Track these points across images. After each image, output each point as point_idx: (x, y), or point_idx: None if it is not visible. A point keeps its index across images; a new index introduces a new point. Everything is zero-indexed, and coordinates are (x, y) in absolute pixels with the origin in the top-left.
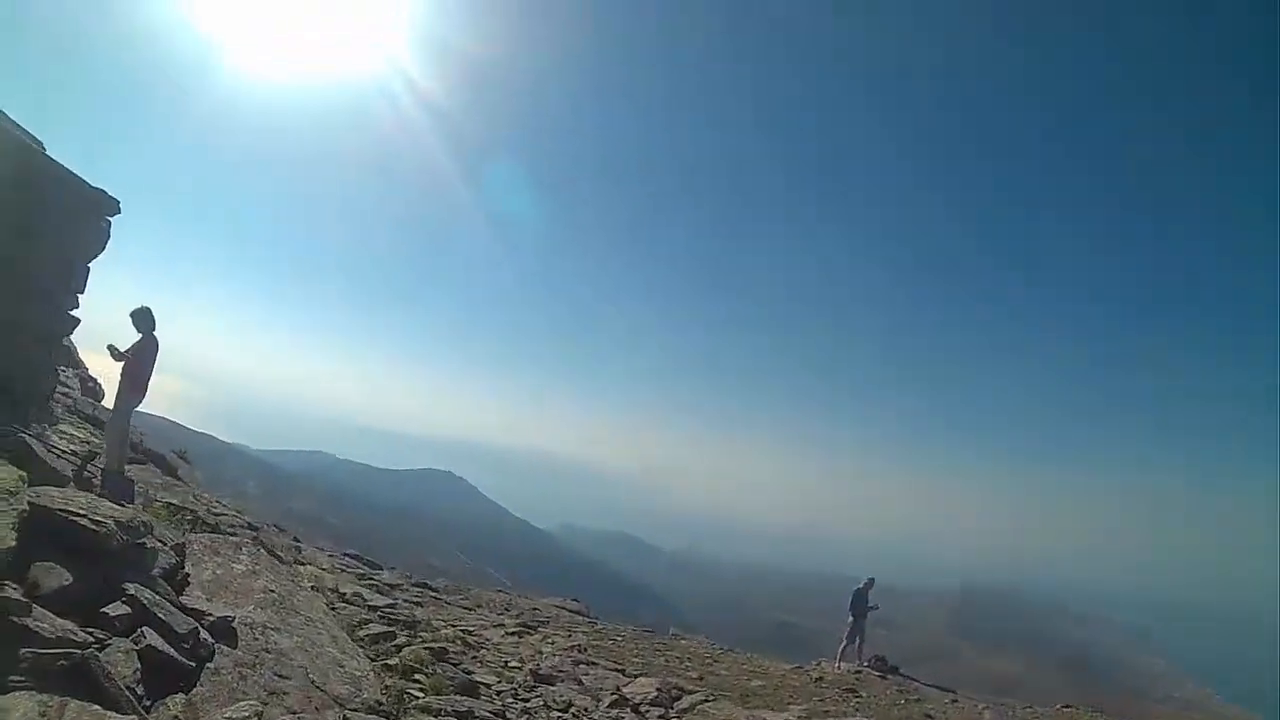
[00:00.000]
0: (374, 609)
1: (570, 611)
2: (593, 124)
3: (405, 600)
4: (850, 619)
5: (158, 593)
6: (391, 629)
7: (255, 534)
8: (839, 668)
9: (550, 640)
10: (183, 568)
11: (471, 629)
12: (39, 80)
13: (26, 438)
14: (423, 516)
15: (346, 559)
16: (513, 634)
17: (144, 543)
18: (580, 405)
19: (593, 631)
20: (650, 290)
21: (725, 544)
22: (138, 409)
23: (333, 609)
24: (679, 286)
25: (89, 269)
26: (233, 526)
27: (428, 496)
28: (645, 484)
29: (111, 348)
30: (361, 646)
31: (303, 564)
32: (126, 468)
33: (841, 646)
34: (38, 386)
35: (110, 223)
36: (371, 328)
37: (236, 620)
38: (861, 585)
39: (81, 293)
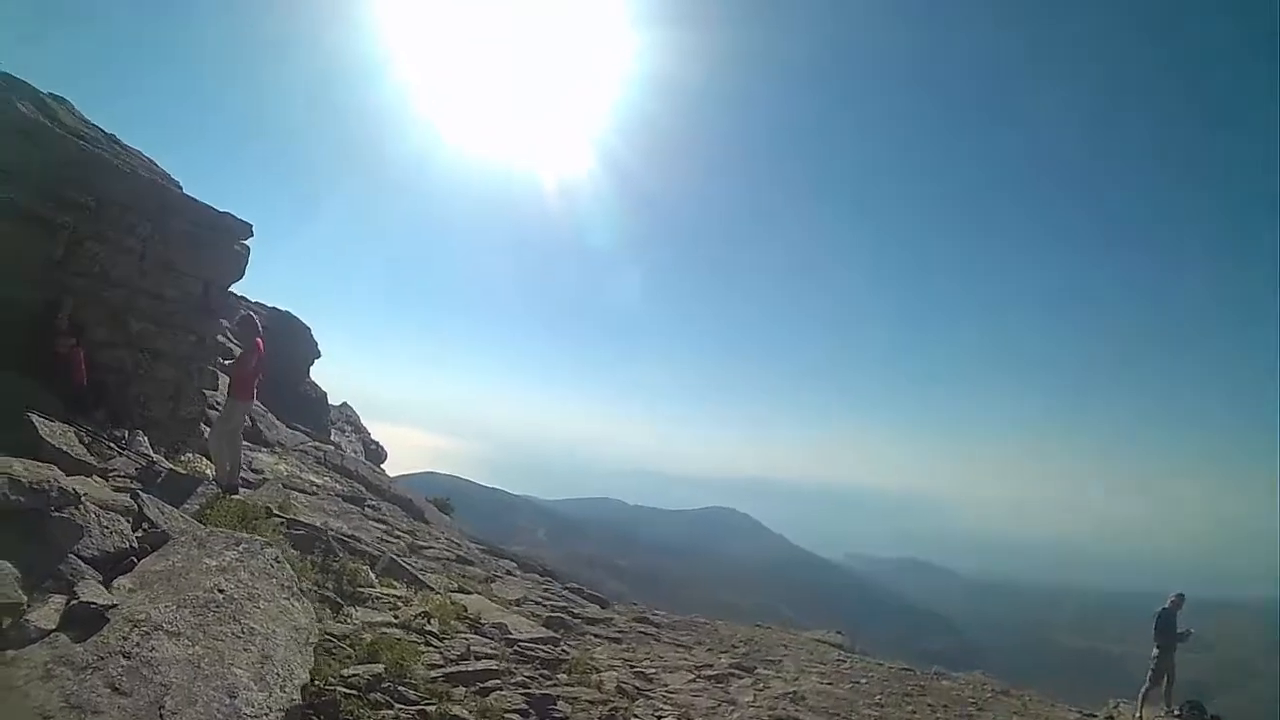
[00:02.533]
0: (512, 642)
1: (829, 645)
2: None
3: (597, 635)
4: (1156, 650)
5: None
6: (502, 665)
7: (446, 561)
8: (1139, 717)
9: (763, 686)
10: (136, 552)
11: (651, 670)
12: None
13: (37, 422)
14: (710, 554)
15: (564, 593)
16: (711, 678)
17: (65, 515)
18: (862, 432)
19: (833, 672)
20: (925, 315)
21: (1022, 564)
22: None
23: (438, 638)
24: (955, 307)
25: (228, 292)
26: (440, 559)
27: (714, 534)
28: (934, 507)
29: (218, 363)
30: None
31: (465, 592)
32: (239, 481)
33: (1144, 689)
34: (178, 410)
35: (246, 247)
36: (653, 380)
37: (121, 612)
38: (1168, 604)
39: (221, 317)
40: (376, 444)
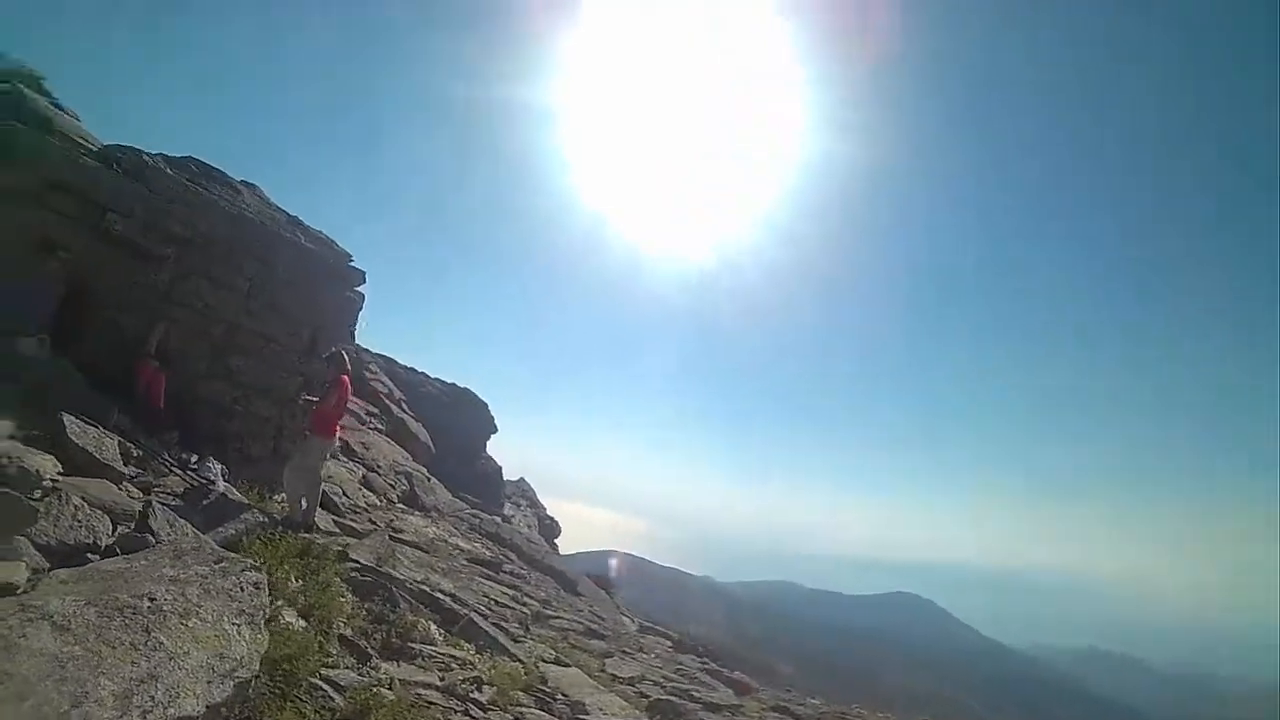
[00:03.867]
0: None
1: None
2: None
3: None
4: None
5: None
6: None
7: (570, 633)
8: None
9: None
10: (102, 551)
11: None
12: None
13: (67, 421)
14: (889, 640)
15: (701, 674)
16: None
17: (17, 495)
18: (1049, 517)
19: None
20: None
21: (1221, 656)
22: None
23: (481, 708)
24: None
25: (343, 334)
26: (564, 629)
27: (895, 620)
28: (1123, 594)
29: (305, 399)
30: None
31: (563, 664)
32: (316, 520)
33: None
34: (279, 449)
35: (360, 293)
36: (836, 464)
37: (21, 596)
38: None
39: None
40: (551, 519)
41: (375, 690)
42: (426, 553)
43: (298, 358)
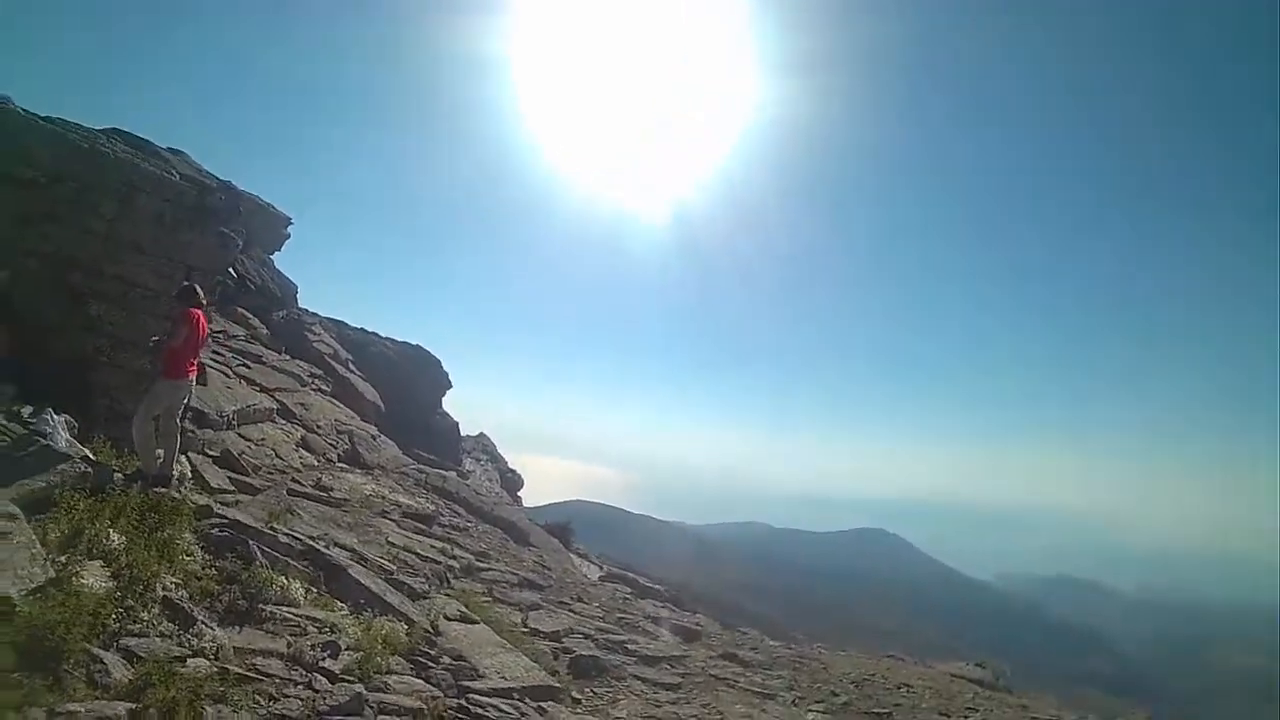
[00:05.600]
0: (466, 691)
1: (966, 680)
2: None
3: (645, 680)
4: None
5: None
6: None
7: (503, 585)
8: None
9: None
10: None
11: None
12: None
13: None
14: (857, 577)
15: (645, 624)
16: None
17: None
18: (1016, 449)
19: None
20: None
21: (1185, 580)
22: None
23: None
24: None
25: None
26: (497, 581)
27: (862, 557)
28: (1091, 524)
29: (153, 340)
30: None
31: (469, 621)
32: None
33: None
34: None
35: (237, 234)
36: (801, 403)
37: None
38: None
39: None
40: (513, 472)
41: (182, 661)
42: (336, 508)
43: (170, 303)
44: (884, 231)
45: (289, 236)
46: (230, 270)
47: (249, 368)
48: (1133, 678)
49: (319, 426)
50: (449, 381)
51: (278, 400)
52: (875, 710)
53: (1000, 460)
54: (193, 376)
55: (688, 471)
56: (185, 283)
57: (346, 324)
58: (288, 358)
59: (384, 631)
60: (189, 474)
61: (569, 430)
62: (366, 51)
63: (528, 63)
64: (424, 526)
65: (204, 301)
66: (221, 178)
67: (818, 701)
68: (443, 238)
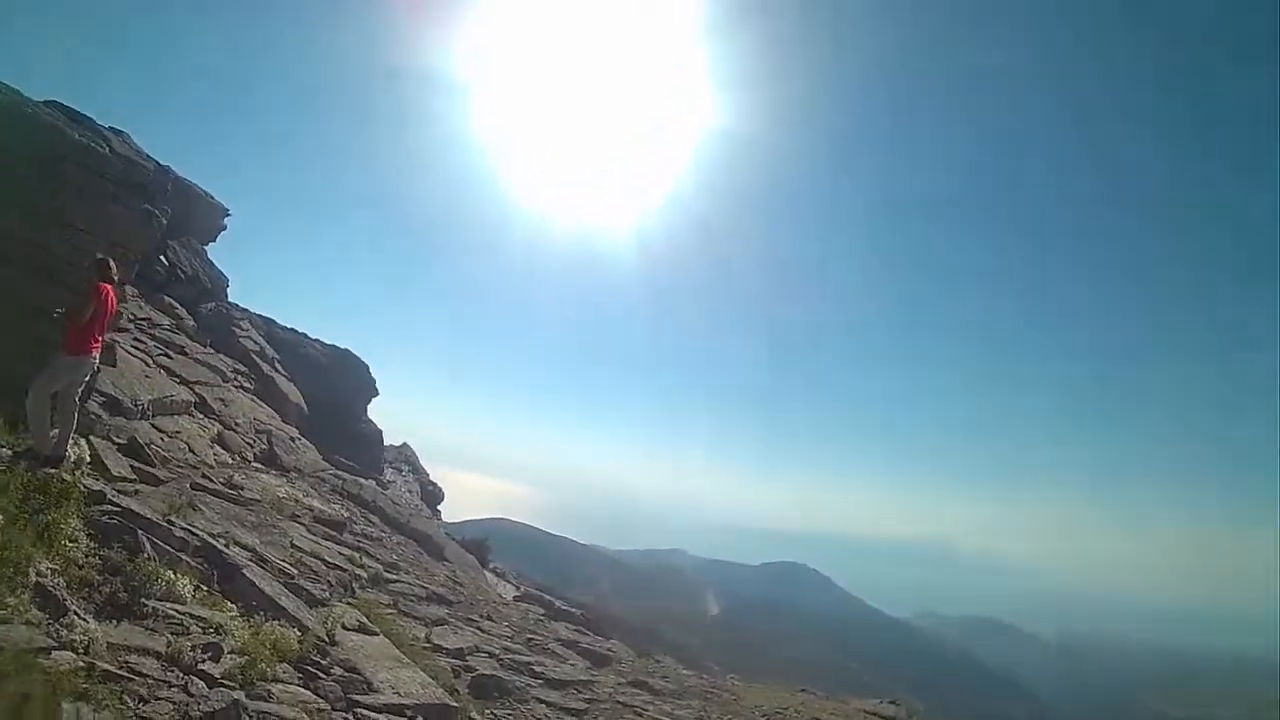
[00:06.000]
0: (354, 706)
1: (883, 718)
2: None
3: (549, 704)
4: None
5: None
6: None
7: (410, 599)
8: None
9: None
10: None
11: None
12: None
13: None
14: (778, 610)
15: (554, 646)
16: None
17: None
18: (935, 489)
19: None
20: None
21: (1103, 624)
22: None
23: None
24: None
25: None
26: (405, 594)
27: (783, 589)
28: (1006, 565)
29: (56, 311)
30: None
31: (369, 632)
32: (71, 453)
33: None
34: None
35: (163, 213)
36: (723, 432)
37: None
38: None
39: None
40: (435, 485)
41: (46, 653)
42: (243, 507)
43: (81, 276)
44: (824, 258)
45: (225, 228)
46: (161, 257)
47: (170, 358)
48: None
49: (237, 424)
50: (376, 389)
51: (197, 394)
52: None
53: (922, 499)
54: (96, 354)
55: (612, 496)
56: (99, 256)
57: (276, 322)
58: (212, 351)
59: (274, 637)
60: (87, 458)
61: (495, 447)
62: (319, 48)
63: (478, 71)
64: (335, 533)
65: (115, 277)
66: (162, 163)
67: None
68: (385, 245)
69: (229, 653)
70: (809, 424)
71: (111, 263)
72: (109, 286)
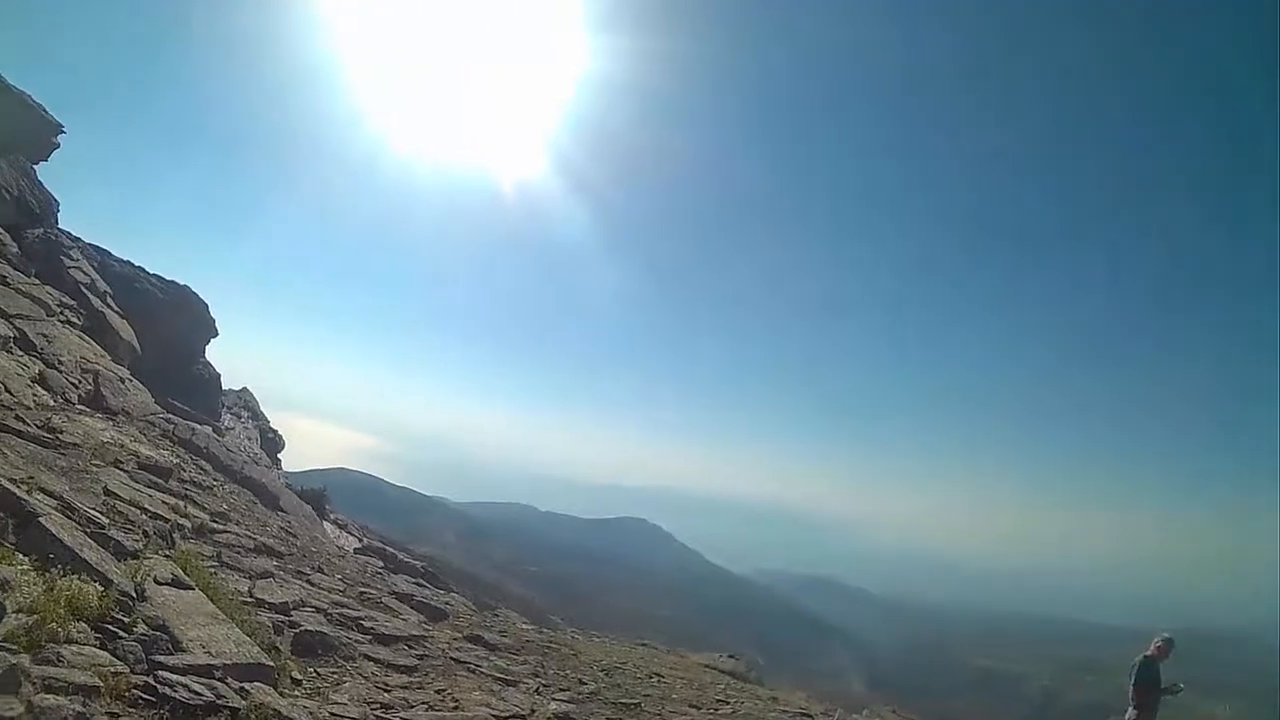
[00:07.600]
0: (156, 668)
1: (718, 672)
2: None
3: (378, 660)
4: (1133, 710)
5: None
6: None
7: (237, 550)
8: None
9: None
10: None
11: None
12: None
13: None
14: (619, 564)
15: (389, 599)
16: None
17: None
18: (772, 447)
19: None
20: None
21: (933, 584)
22: None
23: None
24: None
25: None
26: (232, 546)
27: (624, 544)
28: (844, 525)
29: None
30: None
31: (183, 586)
32: None
33: None
34: None
35: None
36: (567, 386)
37: None
38: (1150, 651)
39: None
40: (275, 432)
41: None
42: (54, 450)
43: None
44: (701, 213)
45: (59, 146)
46: None
47: None
48: (882, 674)
49: (61, 363)
50: (215, 329)
51: (16, 328)
52: (623, 700)
53: (764, 458)
54: None
55: (455, 447)
56: None
57: (111, 254)
58: (37, 282)
59: (70, 592)
60: None
61: (342, 397)
62: None
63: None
64: (160, 480)
65: None
66: None
67: (563, 690)
68: (239, 177)
69: (14, 611)
70: (665, 379)
71: None
72: None
